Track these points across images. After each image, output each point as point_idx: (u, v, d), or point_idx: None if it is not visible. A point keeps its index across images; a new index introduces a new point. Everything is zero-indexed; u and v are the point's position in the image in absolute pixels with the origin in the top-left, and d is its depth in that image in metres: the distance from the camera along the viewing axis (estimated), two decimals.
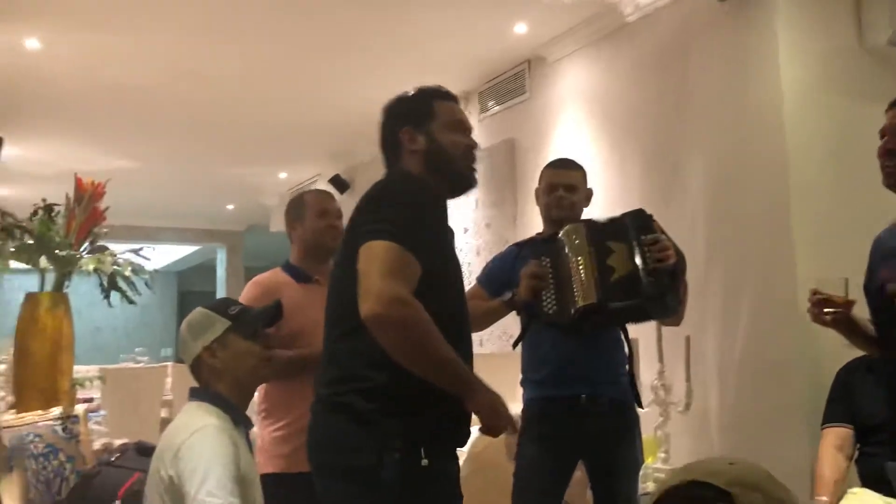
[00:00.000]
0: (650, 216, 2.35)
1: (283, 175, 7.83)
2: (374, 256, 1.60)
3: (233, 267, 10.56)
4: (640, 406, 2.59)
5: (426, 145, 1.83)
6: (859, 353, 2.58)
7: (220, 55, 4.64)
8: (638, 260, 2.24)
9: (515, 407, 3.16)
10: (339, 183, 6.80)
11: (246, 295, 2.50)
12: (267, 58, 4.74)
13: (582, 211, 2.59)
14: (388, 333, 1.59)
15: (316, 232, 2.58)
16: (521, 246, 2.65)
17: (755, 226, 3.23)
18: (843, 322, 1.99)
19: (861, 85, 3.24)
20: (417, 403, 1.66)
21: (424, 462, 1.63)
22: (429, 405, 1.66)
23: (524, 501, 2.51)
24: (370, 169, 6.83)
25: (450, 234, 1.87)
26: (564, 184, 2.57)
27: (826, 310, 1.96)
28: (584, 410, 2.44)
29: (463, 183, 1.90)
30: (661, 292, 2.23)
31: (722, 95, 3.42)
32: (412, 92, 1.93)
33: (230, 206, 9.55)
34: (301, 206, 2.64)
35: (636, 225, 2.30)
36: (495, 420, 1.69)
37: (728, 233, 3.35)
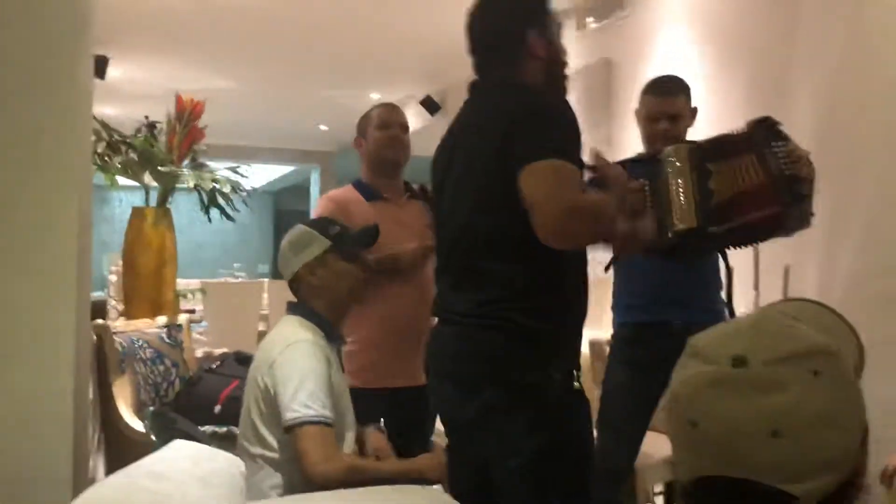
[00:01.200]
0: (778, 123, 2.19)
1: (374, 96, 7.84)
2: (547, 176, 1.54)
3: (326, 187, 10.75)
4: None
5: (547, 52, 1.73)
6: None
7: None
8: (772, 167, 2.08)
9: (601, 333, 3.16)
10: (431, 104, 6.77)
11: (319, 209, 2.50)
12: None
13: (686, 135, 2.48)
14: (579, 240, 1.62)
15: (378, 144, 2.51)
16: (621, 165, 2.57)
17: (865, 157, 3.04)
18: None
19: None
20: (568, 324, 1.70)
21: (577, 385, 1.66)
22: (573, 326, 1.72)
23: (609, 424, 2.51)
24: (462, 91, 6.73)
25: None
26: (668, 113, 2.44)
27: None
28: (677, 336, 2.39)
29: (564, 93, 1.81)
30: (800, 199, 2.09)
31: (835, 15, 3.18)
32: None
33: (323, 127, 9.67)
34: (365, 120, 2.57)
35: (764, 132, 2.14)
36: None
37: (836, 165, 3.16)
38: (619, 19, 4.56)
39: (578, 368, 1.71)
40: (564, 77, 1.80)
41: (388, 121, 2.54)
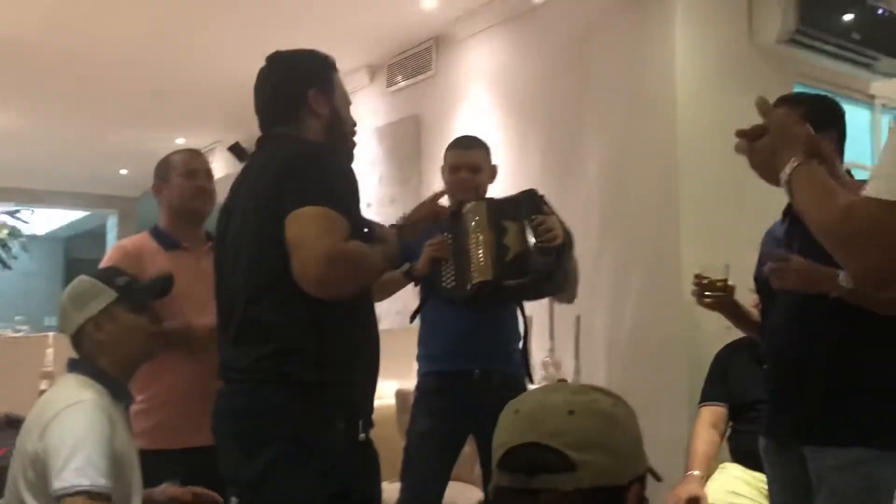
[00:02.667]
0: (541, 196, 2.41)
1: (180, 140, 7.56)
2: (309, 222, 1.56)
3: (125, 234, 10.11)
4: (531, 381, 2.65)
5: (329, 115, 1.81)
6: (738, 335, 2.72)
7: (114, 11, 4.41)
8: (529, 238, 2.30)
9: (408, 383, 3.19)
10: (239, 151, 6.60)
11: (108, 259, 2.33)
12: (165, 17, 4.53)
13: (486, 189, 2.62)
14: (338, 289, 1.59)
15: (183, 193, 2.39)
16: None
17: (646, 210, 3.34)
18: (726, 305, 2.09)
19: (751, 80, 3.39)
20: (354, 375, 1.69)
21: (362, 436, 1.67)
22: (361, 377, 1.72)
23: (414, 474, 2.53)
24: None
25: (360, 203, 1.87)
26: (467, 164, 2.58)
27: (707, 293, 2.05)
28: (477, 385, 2.48)
29: (351, 157, 1.90)
30: (549, 270, 2.30)
31: (620, 82, 3.50)
32: (310, 53, 1.87)
33: (124, 171, 9.16)
34: (167, 165, 2.44)
35: (527, 204, 2.36)
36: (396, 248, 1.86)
37: (620, 216, 3.45)
38: (426, 79, 4.74)
39: (367, 419, 1.72)
40: (348, 134, 1.87)
41: (194, 169, 2.42)
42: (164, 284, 2.02)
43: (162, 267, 2.20)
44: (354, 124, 1.91)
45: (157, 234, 2.43)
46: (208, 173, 2.48)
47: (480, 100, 4.34)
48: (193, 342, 2.26)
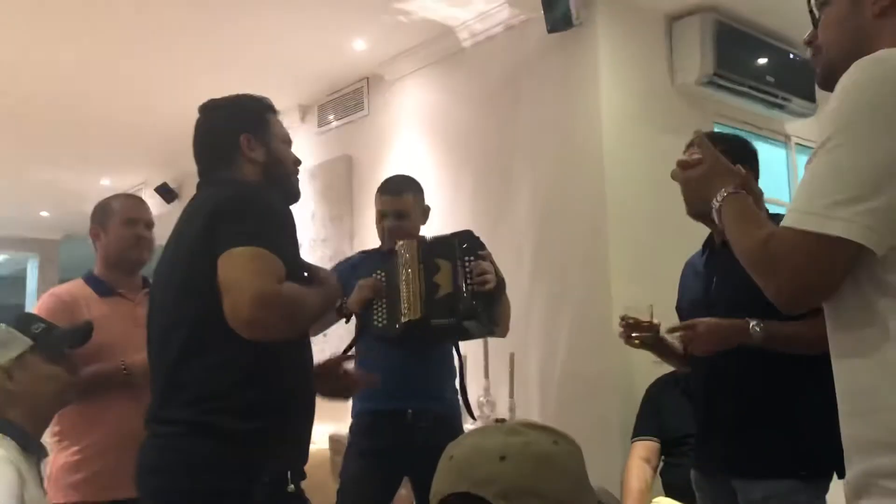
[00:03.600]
0: (477, 238, 2.42)
1: (105, 181, 7.36)
2: (239, 262, 1.52)
3: (46, 278, 9.76)
4: (473, 418, 2.64)
5: (265, 156, 1.80)
6: (668, 369, 2.77)
7: (40, 45, 4.30)
8: (459, 280, 2.31)
9: (343, 427, 3.14)
10: (167, 192, 6.50)
11: (41, 307, 2.27)
12: (89, 54, 4.44)
13: (417, 231, 2.61)
14: (271, 332, 1.53)
15: (122, 241, 2.36)
16: (364, 255, 2.71)
17: (576, 249, 3.40)
18: (652, 343, 2.13)
19: (672, 120, 3.51)
20: (284, 424, 1.63)
21: (291, 488, 1.62)
22: (292, 426, 1.66)
23: None
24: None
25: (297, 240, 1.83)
26: (394, 211, 2.58)
27: (634, 334, 2.09)
28: (411, 425, 2.45)
29: (294, 197, 1.89)
30: (476, 313, 2.30)
31: (548, 122, 3.58)
32: (242, 98, 1.87)
33: (44, 213, 8.86)
34: (106, 211, 2.40)
35: (462, 246, 2.37)
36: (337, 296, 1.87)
37: (551, 254, 3.50)
38: (358, 119, 4.75)
39: (297, 469, 1.67)
40: (288, 174, 1.87)
41: (135, 217, 2.39)
42: (83, 332, 1.95)
43: (98, 314, 2.15)
44: (297, 162, 1.91)
45: (91, 280, 2.38)
46: (149, 223, 2.45)
47: (412, 140, 4.38)
48: (133, 378, 2.19)
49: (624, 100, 3.44)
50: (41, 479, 1.82)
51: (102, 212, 2.41)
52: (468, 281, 2.31)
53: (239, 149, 1.78)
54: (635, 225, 3.31)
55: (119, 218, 2.37)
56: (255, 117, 1.84)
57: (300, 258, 1.76)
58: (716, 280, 1.97)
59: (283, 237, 1.64)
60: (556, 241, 3.49)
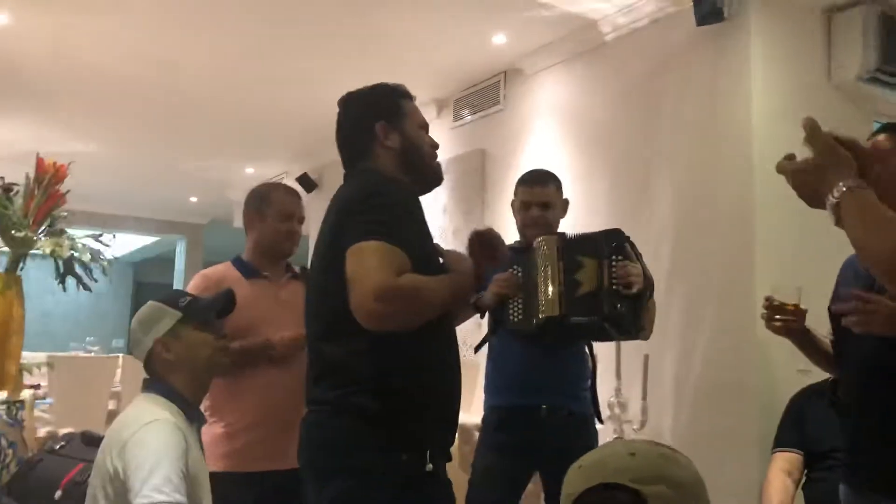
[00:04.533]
0: (626, 237, 2.36)
1: (249, 170, 7.75)
2: (362, 257, 1.59)
3: (192, 260, 10.39)
4: (601, 421, 2.60)
5: (401, 143, 1.83)
6: (814, 379, 2.63)
7: (191, 45, 4.58)
8: (604, 280, 2.26)
9: (469, 417, 3.17)
10: (307, 182, 6.75)
11: (192, 286, 2.42)
12: (239, 51, 4.69)
13: (558, 224, 2.60)
14: (391, 323, 1.59)
15: (276, 234, 2.47)
16: None
17: (718, 249, 3.28)
18: (795, 331, 2.01)
19: (828, 118, 3.27)
20: (423, 406, 1.67)
21: (429, 467, 1.64)
22: (432, 408, 1.69)
23: None
24: (338, 169, 6.78)
25: (428, 230, 1.85)
26: (538, 202, 2.57)
27: (777, 317, 1.98)
28: (544, 421, 2.45)
29: (433, 181, 1.91)
30: (619, 315, 2.25)
31: (693, 119, 3.47)
32: (376, 87, 1.90)
33: (193, 199, 9.42)
34: (265, 201, 2.50)
35: (610, 244, 2.32)
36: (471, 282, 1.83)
37: (691, 255, 3.39)
38: (493, 113, 4.77)
39: (437, 449, 1.70)
40: (425, 160, 1.88)
41: (291, 213, 2.50)
42: (226, 298, 2.06)
43: (243, 294, 2.25)
44: (435, 146, 1.92)
45: (238, 263, 2.50)
46: (301, 218, 2.55)
47: (547, 135, 4.35)
48: (275, 354, 2.32)
49: (776, 97, 3.28)
50: (201, 445, 1.95)
51: (260, 200, 2.51)
52: (613, 281, 2.26)
53: (375, 138, 1.82)
54: (783, 229, 3.15)
55: (276, 211, 2.48)
56: (389, 104, 1.86)
57: (431, 246, 1.79)
58: (876, 286, 1.84)
59: (407, 228, 1.67)
60: (696, 243, 3.38)
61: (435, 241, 1.85)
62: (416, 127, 1.89)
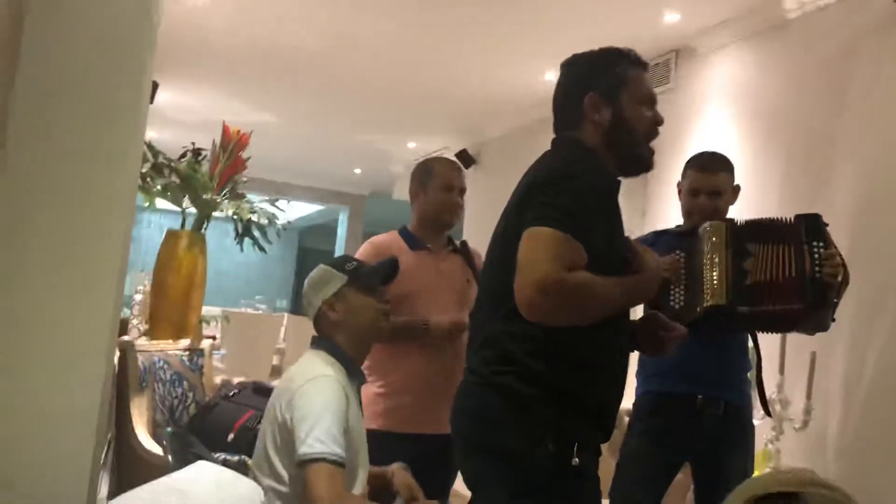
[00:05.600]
0: (826, 224, 2.23)
1: (411, 144, 7.95)
2: (535, 244, 1.52)
3: (353, 229, 10.83)
4: (769, 414, 2.50)
5: (611, 119, 1.70)
6: None
7: (364, 21, 4.74)
8: (807, 266, 2.13)
9: (625, 402, 3.13)
10: (466, 158, 6.84)
11: (360, 253, 2.55)
12: (408, 29, 4.80)
13: (727, 211, 2.49)
14: (549, 318, 1.53)
15: (438, 205, 2.56)
16: (658, 234, 2.60)
17: None
18: None
19: None
20: (575, 399, 1.61)
21: (575, 461, 1.57)
22: (582, 399, 1.62)
23: (622, 495, 2.47)
24: (497, 146, 6.83)
25: (620, 222, 1.72)
26: (709, 189, 2.46)
27: None
28: (700, 411, 2.38)
29: (640, 165, 1.78)
30: (823, 305, 2.13)
31: (882, 107, 3.21)
32: (601, 53, 1.75)
33: (357, 170, 9.78)
34: (428, 173, 2.60)
35: (810, 230, 2.19)
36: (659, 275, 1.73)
37: (870, 248, 3.16)
38: (663, 92, 4.62)
39: (588, 443, 1.63)
40: (631, 144, 1.73)
41: (453, 184, 2.58)
42: (390, 266, 2.15)
43: (407, 263, 2.35)
44: (658, 122, 1.76)
45: (404, 233, 2.62)
46: (463, 190, 2.62)
47: (718, 117, 4.17)
48: (427, 338, 2.41)
49: None
50: (360, 403, 2.06)
51: (424, 173, 2.62)
52: (816, 269, 2.12)
53: (582, 109, 1.70)
54: None
55: (439, 182, 2.57)
56: (609, 74, 1.71)
57: (619, 242, 1.67)
58: None
59: (594, 221, 1.57)
60: (877, 237, 3.14)
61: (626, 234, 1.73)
62: (636, 102, 1.72)
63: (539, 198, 1.57)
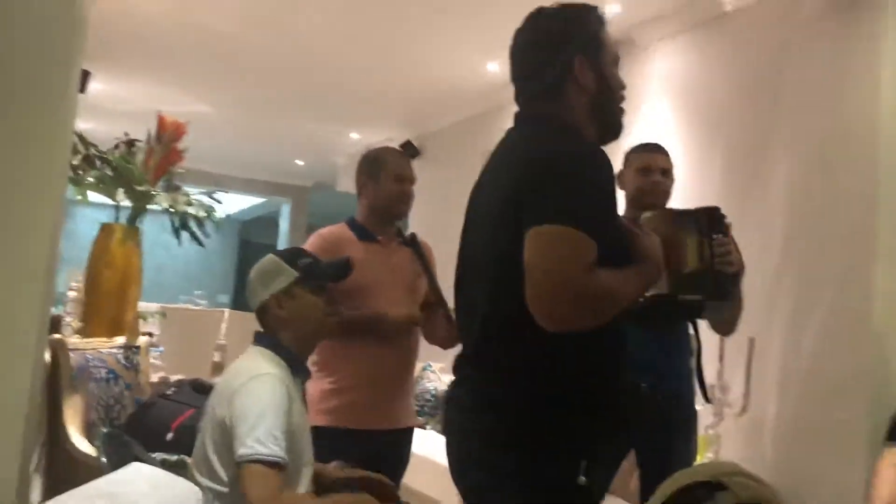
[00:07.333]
0: (724, 216, 2.29)
1: (354, 135, 7.88)
2: (548, 245, 1.36)
3: (296, 222, 10.70)
4: (708, 400, 2.54)
5: (596, 84, 1.54)
6: None
7: (305, 8, 4.65)
8: (706, 257, 2.18)
9: None
10: (411, 149, 6.81)
11: (309, 245, 2.48)
12: (350, 17, 4.74)
13: (670, 198, 2.54)
14: (572, 325, 1.37)
15: (390, 196, 2.52)
16: None
17: (835, 234, 3.11)
18: None
19: None
20: (582, 412, 1.47)
21: (582, 479, 1.43)
22: (593, 415, 1.48)
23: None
24: (442, 137, 6.82)
25: (616, 210, 1.56)
26: (661, 167, 2.50)
27: None
28: (644, 399, 2.41)
29: (617, 132, 1.63)
30: (722, 294, 2.18)
31: (816, 98, 3.28)
32: (574, 8, 1.57)
33: (299, 162, 9.66)
34: (378, 164, 2.55)
35: (709, 221, 2.24)
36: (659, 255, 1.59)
37: (806, 240, 3.24)
38: None
39: (594, 460, 1.47)
40: (614, 112, 1.60)
41: (405, 174, 2.55)
42: (342, 268, 2.10)
43: (357, 256, 2.30)
44: (623, 87, 1.61)
45: (353, 225, 2.56)
46: (413, 180, 2.60)
47: (659, 109, 4.22)
48: (382, 331, 2.37)
49: None
50: (304, 401, 2.02)
51: (373, 163, 2.56)
52: (714, 259, 2.18)
53: (570, 74, 1.52)
54: None
55: (391, 172, 2.53)
56: (592, 33, 1.55)
57: (619, 228, 1.55)
58: None
59: (599, 210, 1.42)
60: (812, 227, 3.22)
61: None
62: (612, 64, 1.58)
63: (536, 193, 1.40)
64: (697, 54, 4.01)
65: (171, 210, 3.57)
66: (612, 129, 1.62)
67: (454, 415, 1.60)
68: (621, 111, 1.62)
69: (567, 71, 1.52)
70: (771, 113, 3.49)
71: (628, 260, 1.52)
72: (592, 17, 1.57)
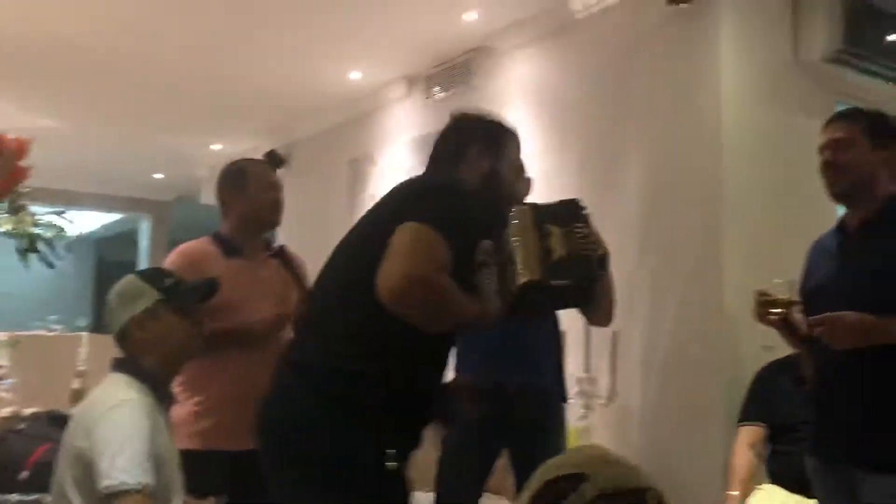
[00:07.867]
0: (584, 206, 2.38)
1: (216, 147, 7.63)
2: (412, 238, 1.55)
3: (156, 238, 10.25)
4: (564, 400, 2.63)
5: (489, 169, 1.88)
6: (778, 355, 2.69)
7: (159, 13, 4.47)
8: (572, 245, 2.26)
9: None
10: (276, 159, 6.67)
11: (171, 263, 2.38)
12: (209, 24, 4.59)
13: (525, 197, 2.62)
14: (412, 311, 1.55)
15: (262, 206, 2.46)
16: None
17: (686, 228, 3.31)
18: (787, 323, 2.05)
19: (795, 99, 3.36)
20: (401, 403, 1.63)
21: (392, 465, 1.58)
22: (409, 406, 1.65)
23: (448, 486, 2.52)
24: (307, 147, 6.72)
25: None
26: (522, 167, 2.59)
27: (771, 310, 2.02)
28: (512, 398, 2.46)
29: (505, 199, 1.95)
30: (592, 278, 2.26)
31: (663, 99, 3.48)
32: (492, 119, 1.99)
33: (158, 175, 9.27)
34: (243, 175, 2.48)
35: (571, 212, 2.32)
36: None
37: (660, 233, 3.42)
38: (465, 90, 4.75)
39: (403, 447, 1.63)
40: (504, 194, 1.93)
41: (272, 183, 2.50)
42: (208, 288, 2.03)
43: (222, 272, 2.23)
44: (522, 194, 2.05)
45: (218, 240, 2.47)
46: (281, 187, 2.55)
47: (519, 113, 4.33)
48: (254, 337, 2.29)
49: (744, 76, 3.31)
50: (170, 426, 1.93)
51: (238, 175, 2.49)
52: (581, 246, 2.26)
53: (465, 155, 1.87)
54: (751, 205, 3.20)
55: (260, 182, 2.48)
56: (495, 136, 1.93)
57: (476, 266, 1.74)
58: (849, 267, 1.87)
59: (467, 236, 1.66)
60: (665, 220, 3.41)
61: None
62: (510, 168, 1.97)
63: (422, 201, 1.65)
64: (552, 60, 4.16)
65: (15, 232, 3.33)
66: (499, 198, 1.92)
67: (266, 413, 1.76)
68: (504, 205, 1.90)
69: (463, 152, 1.88)
70: (622, 117, 3.67)
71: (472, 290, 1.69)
72: (503, 129, 1.97)
